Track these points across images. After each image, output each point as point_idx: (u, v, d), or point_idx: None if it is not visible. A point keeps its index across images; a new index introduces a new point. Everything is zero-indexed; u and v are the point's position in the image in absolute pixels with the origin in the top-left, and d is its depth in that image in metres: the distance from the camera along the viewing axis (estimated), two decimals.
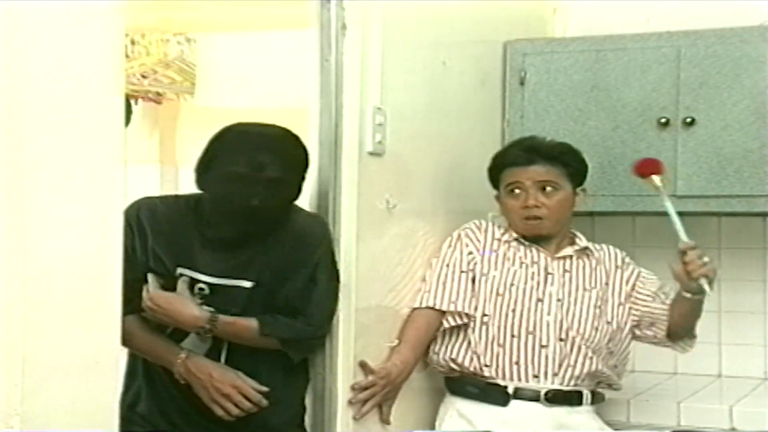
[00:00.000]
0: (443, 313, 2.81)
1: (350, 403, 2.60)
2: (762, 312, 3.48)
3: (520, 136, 3.40)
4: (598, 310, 2.84)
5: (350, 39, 2.62)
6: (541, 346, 2.78)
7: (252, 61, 4.05)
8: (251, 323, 2.39)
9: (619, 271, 2.91)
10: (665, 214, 2.76)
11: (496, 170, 2.90)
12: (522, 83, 3.42)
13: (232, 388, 2.35)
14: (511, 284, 2.82)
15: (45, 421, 1.67)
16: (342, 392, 2.61)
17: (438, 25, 3.01)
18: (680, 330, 2.88)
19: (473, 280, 2.84)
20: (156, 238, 2.38)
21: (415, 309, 2.82)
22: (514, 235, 2.88)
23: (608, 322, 2.85)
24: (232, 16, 3.84)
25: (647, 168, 2.88)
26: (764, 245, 3.50)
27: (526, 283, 2.83)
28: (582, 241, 2.91)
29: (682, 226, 2.73)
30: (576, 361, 2.79)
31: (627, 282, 2.91)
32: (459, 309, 2.81)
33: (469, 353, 2.80)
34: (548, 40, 3.59)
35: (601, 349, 2.83)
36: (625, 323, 2.88)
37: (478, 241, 2.88)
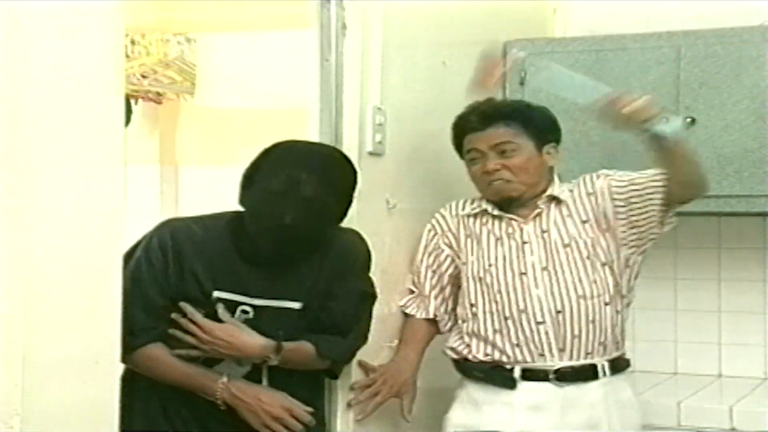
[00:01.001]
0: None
1: (349, 405, 2.59)
2: (762, 312, 3.48)
3: None
4: (589, 261, 2.66)
5: (350, 39, 2.62)
6: (537, 323, 2.62)
7: (252, 61, 4.05)
8: (309, 347, 2.35)
9: (592, 197, 2.69)
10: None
11: (457, 139, 2.76)
12: (522, 83, 3.41)
13: (283, 410, 2.30)
14: (489, 265, 2.68)
15: (45, 421, 1.67)
16: (342, 394, 2.61)
17: (438, 25, 3.01)
18: (678, 181, 2.57)
19: (449, 275, 2.78)
20: (194, 261, 2.29)
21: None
22: (484, 205, 2.73)
23: (603, 264, 2.66)
24: (232, 16, 3.84)
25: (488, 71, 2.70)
26: (764, 245, 3.50)
27: (504, 260, 2.67)
28: (551, 190, 2.71)
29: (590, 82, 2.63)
30: (581, 331, 2.62)
31: (603, 198, 2.68)
32: (433, 314, 2.78)
33: (466, 344, 2.71)
34: (548, 40, 3.59)
35: (607, 302, 2.65)
36: (627, 245, 2.68)
37: (449, 230, 2.78)
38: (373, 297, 2.52)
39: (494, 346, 2.67)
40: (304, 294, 2.36)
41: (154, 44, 4.04)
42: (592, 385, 2.64)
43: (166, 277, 2.28)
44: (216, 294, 2.29)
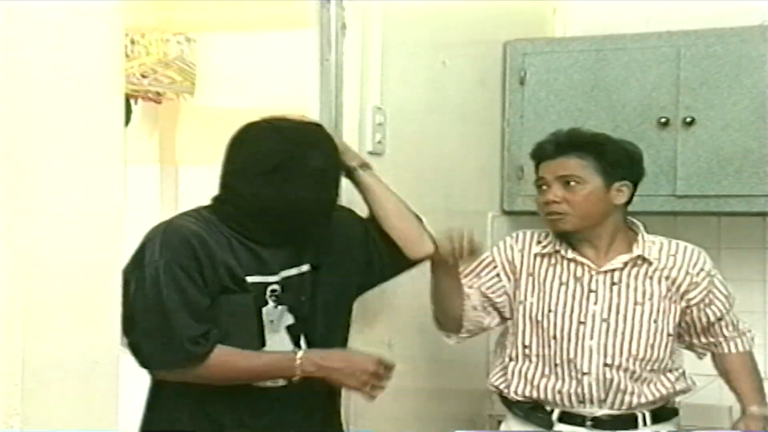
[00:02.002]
0: None
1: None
2: (762, 311, 3.48)
3: (519, 136, 3.41)
4: (654, 325, 2.61)
5: (350, 39, 2.62)
6: (583, 374, 2.59)
7: (252, 60, 4.05)
8: None
9: (688, 277, 2.64)
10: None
11: (535, 166, 2.70)
12: (522, 83, 3.42)
13: (376, 364, 2.28)
14: (549, 310, 2.62)
15: (45, 421, 1.67)
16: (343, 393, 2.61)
17: (438, 24, 3.02)
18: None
19: (497, 303, 2.71)
20: (219, 253, 2.22)
21: None
22: (557, 246, 2.66)
23: (669, 335, 2.63)
24: (232, 16, 3.84)
25: None
26: (764, 245, 3.50)
27: (566, 306, 2.62)
28: (639, 248, 2.63)
29: None
30: (626, 387, 2.59)
31: (697, 291, 2.65)
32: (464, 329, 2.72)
33: (507, 382, 2.68)
34: (548, 39, 3.59)
35: (663, 367, 2.64)
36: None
37: (511, 263, 2.70)
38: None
39: (537, 388, 2.65)
40: (311, 257, 2.33)
41: (153, 44, 4.04)
42: None
43: (202, 276, 2.19)
44: (249, 279, 2.24)
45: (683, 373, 2.70)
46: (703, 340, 2.73)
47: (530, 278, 2.67)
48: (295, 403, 2.30)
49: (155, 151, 4.27)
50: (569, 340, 2.60)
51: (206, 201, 2.34)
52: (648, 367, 2.60)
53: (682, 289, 2.63)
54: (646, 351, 2.60)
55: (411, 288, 2.85)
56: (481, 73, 3.35)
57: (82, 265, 1.74)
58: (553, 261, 2.66)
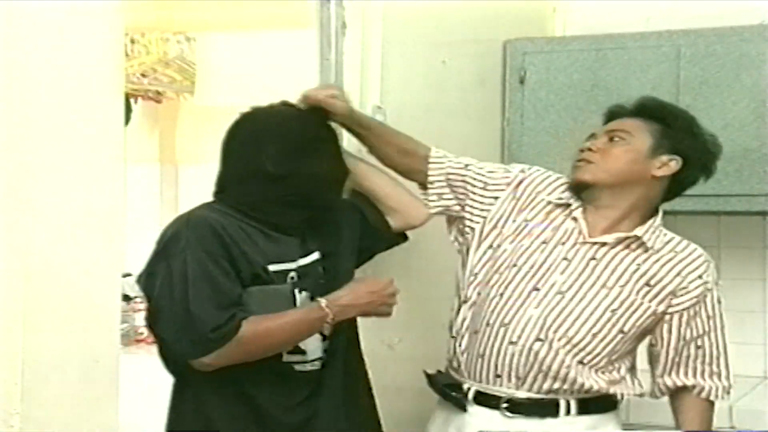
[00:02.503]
0: None
1: None
2: (762, 311, 3.48)
3: (520, 135, 3.41)
4: (610, 314, 2.31)
5: (350, 38, 2.62)
6: (510, 342, 2.30)
7: (252, 60, 4.05)
8: None
9: (679, 278, 2.35)
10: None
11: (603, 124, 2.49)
12: (522, 82, 3.41)
13: (390, 283, 2.31)
14: (513, 265, 2.35)
15: (45, 421, 1.67)
16: None
17: (438, 24, 3.01)
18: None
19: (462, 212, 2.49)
20: (245, 242, 2.21)
21: None
22: (563, 197, 2.41)
23: (622, 331, 2.32)
24: (232, 16, 3.84)
25: None
26: (764, 244, 3.50)
27: (532, 266, 2.34)
28: (642, 230, 2.35)
29: None
30: (550, 368, 2.29)
31: (677, 300, 2.36)
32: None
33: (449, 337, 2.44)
34: (548, 39, 3.59)
35: (599, 361, 2.32)
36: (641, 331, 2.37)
37: (517, 203, 2.45)
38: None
39: (464, 349, 2.39)
40: (319, 243, 2.35)
41: (153, 43, 4.04)
42: (550, 423, 2.33)
43: (233, 264, 2.17)
44: (271, 267, 2.24)
45: (628, 376, 2.39)
46: (671, 358, 2.40)
47: (524, 224, 2.42)
48: (333, 386, 2.31)
49: (155, 151, 4.28)
50: (514, 302, 2.32)
51: (206, 199, 2.33)
52: (578, 358, 2.30)
53: (667, 290, 2.34)
54: (584, 338, 2.30)
55: (412, 291, 2.84)
56: (481, 73, 3.34)
57: (82, 265, 1.75)
58: (554, 214, 2.40)
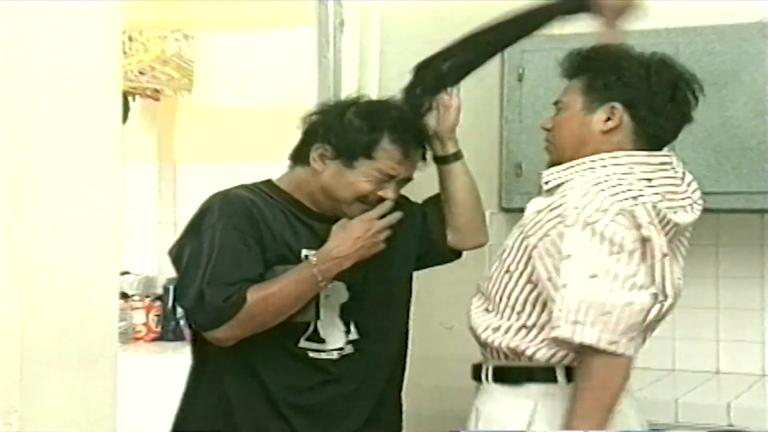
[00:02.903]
0: None
1: None
2: (760, 309, 3.48)
3: (518, 133, 3.41)
4: (502, 264, 2.25)
5: (348, 36, 2.62)
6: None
7: (250, 58, 4.05)
8: None
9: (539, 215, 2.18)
10: None
11: None
12: (520, 80, 3.41)
13: (373, 221, 2.28)
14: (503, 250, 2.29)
15: (43, 419, 1.67)
16: None
17: (436, 21, 3.01)
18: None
19: None
20: (277, 224, 2.27)
21: None
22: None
23: (508, 271, 2.23)
24: (230, 13, 3.84)
25: None
26: (762, 242, 3.50)
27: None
28: (550, 171, 2.21)
29: None
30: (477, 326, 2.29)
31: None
32: None
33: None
34: (546, 36, 3.56)
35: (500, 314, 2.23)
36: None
37: None
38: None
39: None
40: None
41: (151, 41, 4.04)
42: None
43: (261, 243, 2.23)
44: (304, 252, 2.28)
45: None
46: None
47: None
48: (351, 376, 2.34)
49: (153, 149, 4.28)
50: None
51: (204, 197, 2.33)
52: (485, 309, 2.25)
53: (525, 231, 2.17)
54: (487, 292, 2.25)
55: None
56: (478, 70, 3.34)
57: (80, 262, 1.74)
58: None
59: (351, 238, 2.26)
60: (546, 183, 2.20)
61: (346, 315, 2.35)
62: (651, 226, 2.09)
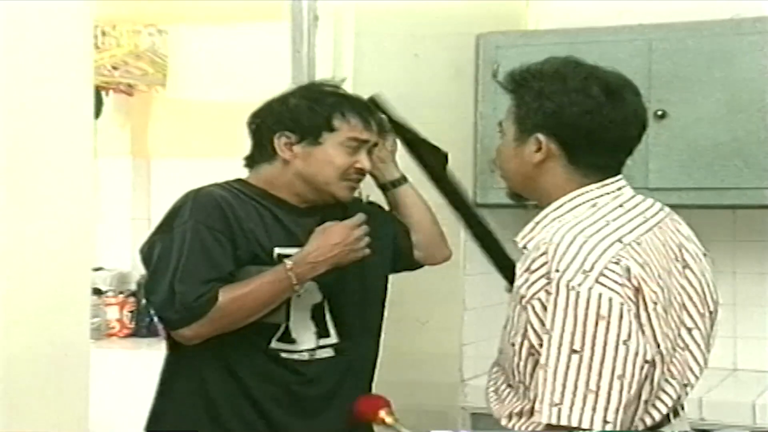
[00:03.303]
0: None
1: None
2: (731, 304, 3.49)
3: (493, 128, 3.39)
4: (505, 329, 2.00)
5: (322, 31, 2.62)
6: None
7: (224, 52, 4.03)
8: None
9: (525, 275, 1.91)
10: None
11: None
12: (495, 76, 3.41)
13: (352, 227, 2.27)
14: None
15: (13, 415, 1.66)
16: None
17: (411, 17, 3.01)
18: None
19: None
20: (249, 221, 2.26)
21: None
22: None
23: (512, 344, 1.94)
24: (204, 8, 3.82)
25: (369, 407, 2.25)
26: (734, 237, 3.53)
27: None
28: (523, 232, 1.99)
29: None
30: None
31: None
32: None
33: None
34: (521, 32, 3.59)
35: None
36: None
37: None
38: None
39: None
40: None
41: (124, 35, 4.01)
42: None
43: (233, 241, 2.22)
44: (277, 250, 2.27)
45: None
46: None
47: None
48: (326, 374, 2.33)
49: (127, 144, 4.25)
50: None
51: (178, 194, 2.32)
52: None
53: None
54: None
55: None
56: (454, 66, 3.34)
57: (52, 258, 1.73)
58: None
59: (329, 243, 2.25)
60: (523, 248, 1.98)
61: (320, 316, 2.34)
62: (642, 272, 1.87)
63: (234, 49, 3.99)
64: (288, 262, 2.22)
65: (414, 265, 2.58)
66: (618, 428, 1.81)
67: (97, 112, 3.88)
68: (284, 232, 2.30)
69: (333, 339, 2.36)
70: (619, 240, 1.89)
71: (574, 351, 1.81)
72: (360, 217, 2.30)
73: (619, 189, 2.03)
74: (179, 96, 4.13)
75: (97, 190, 3.94)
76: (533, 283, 1.87)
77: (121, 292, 4.03)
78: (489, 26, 3.45)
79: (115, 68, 4.03)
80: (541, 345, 1.84)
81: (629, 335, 1.81)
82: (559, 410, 1.81)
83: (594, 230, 1.90)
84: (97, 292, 3.89)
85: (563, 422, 1.80)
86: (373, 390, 2.49)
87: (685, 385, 1.99)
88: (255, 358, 2.28)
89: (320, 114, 2.29)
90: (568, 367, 1.81)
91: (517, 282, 1.92)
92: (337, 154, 2.29)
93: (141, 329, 3.99)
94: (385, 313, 2.58)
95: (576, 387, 1.80)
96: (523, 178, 2.04)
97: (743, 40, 3.18)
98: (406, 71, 3.01)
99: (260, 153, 2.35)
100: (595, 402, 1.80)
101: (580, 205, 1.96)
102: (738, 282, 3.50)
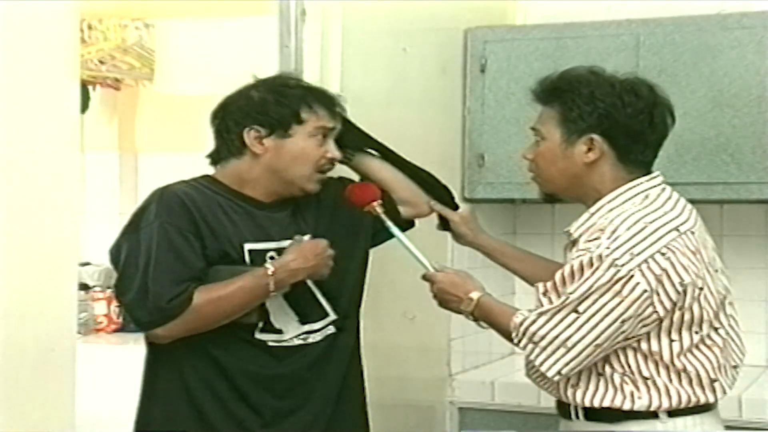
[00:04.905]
0: None
1: None
2: None
3: (480, 123, 3.42)
4: None
5: (310, 25, 2.61)
6: None
7: (211, 47, 4.02)
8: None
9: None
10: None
11: None
12: (483, 71, 3.42)
13: (324, 243, 2.30)
14: None
15: (0, 407, 1.65)
16: None
17: (398, 11, 3.01)
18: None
19: None
20: (215, 219, 2.26)
21: None
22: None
23: None
24: (192, 2, 3.82)
25: (366, 195, 2.42)
26: (721, 232, 3.53)
27: None
28: (577, 223, 2.24)
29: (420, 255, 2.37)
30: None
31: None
32: None
33: None
34: (509, 27, 3.59)
35: None
36: None
37: None
38: None
39: None
40: (310, 226, 2.38)
41: (111, 29, 4.00)
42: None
43: (201, 239, 2.22)
44: (247, 246, 2.28)
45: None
46: None
47: None
48: (311, 359, 2.34)
49: (114, 139, 4.24)
50: None
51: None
52: None
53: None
54: None
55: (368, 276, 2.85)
56: (441, 61, 3.34)
57: (38, 253, 1.73)
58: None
59: (310, 253, 2.28)
60: (577, 232, 2.23)
61: (302, 303, 2.34)
62: (692, 260, 2.17)
63: (221, 44, 3.98)
64: (270, 267, 2.23)
65: (404, 225, 2.55)
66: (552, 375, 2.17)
67: (84, 106, 3.87)
68: (254, 228, 2.30)
69: (331, 317, 2.37)
70: (676, 228, 2.16)
71: (576, 311, 2.11)
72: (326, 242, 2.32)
73: (662, 182, 2.28)
74: (166, 90, 4.12)
75: (84, 184, 3.93)
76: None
77: (108, 287, 4.02)
78: (477, 21, 3.45)
79: (102, 62, 4.02)
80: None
81: (629, 317, 2.10)
82: (533, 348, 2.16)
83: (653, 218, 2.15)
84: (85, 287, 3.88)
85: (535, 362, 2.16)
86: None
87: (735, 367, 2.29)
88: (240, 347, 2.28)
89: (288, 106, 2.30)
90: (567, 324, 2.13)
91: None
92: (308, 145, 2.31)
93: (129, 324, 3.98)
94: (373, 308, 2.58)
95: (556, 338, 2.13)
96: (570, 178, 2.24)
97: (730, 35, 3.19)
98: (393, 66, 3.01)
99: (227, 148, 2.34)
100: (565, 356, 2.14)
101: (634, 196, 2.21)
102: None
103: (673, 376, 2.18)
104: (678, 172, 3.16)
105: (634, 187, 2.22)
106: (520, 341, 2.20)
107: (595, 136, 2.20)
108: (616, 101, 2.20)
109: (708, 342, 2.21)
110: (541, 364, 2.17)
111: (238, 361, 2.28)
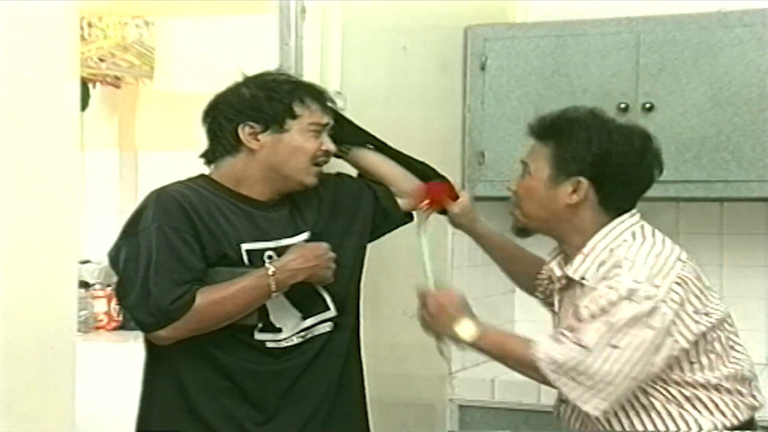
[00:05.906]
0: None
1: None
2: (718, 296, 3.51)
3: (480, 121, 3.42)
4: None
5: (310, 23, 2.61)
6: None
7: (212, 45, 4.02)
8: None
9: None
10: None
11: None
12: (483, 68, 3.42)
13: (327, 248, 2.30)
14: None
15: (0, 405, 1.65)
16: None
17: (398, 9, 3.01)
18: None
19: None
20: (213, 219, 2.25)
21: None
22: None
23: None
24: (192, 0, 3.82)
25: (439, 194, 2.48)
26: (721, 230, 3.54)
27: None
28: (573, 266, 2.24)
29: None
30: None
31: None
32: None
33: None
34: (509, 25, 3.59)
35: None
36: None
37: None
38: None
39: None
40: (309, 224, 2.37)
41: (111, 27, 3.99)
42: None
43: (199, 240, 2.22)
44: (244, 246, 2.27)
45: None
46: None
47: None
48: (311, 356, 2.34)
49: (114, 136, 4.24)
50: None
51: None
52: None
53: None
54: None
55: (366, 274, 2.85)
56: (442, 59, 3.35)
57: (38, 251, 1.73)
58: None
59: (312, 255, 2.28)
60: (581, 279, 2.23)
61: (303, 298, 2.34)
62: (698, 286, 2.20)
63: (221, 41, 3.98)
64: (270, 268, 2.23)
65: (406, 219, 2.56)
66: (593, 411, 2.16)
67: (84, 104, 3.86)
68: (251, 228, 2.29)
69: (331, 311, 2.37)
70: (679, 258, 2.19)
71: (614, 346, 2.11)
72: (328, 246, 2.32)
73: (641, 218, 2.28)
74: (166, 88, 4.12)
75: (84, 182, 3.93)
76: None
77: (108, 285, 4.02)
78: (477, 19, 3.45)
79: (102, 60, 4.02)
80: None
81: (661, 348, 2.14)
82: (574, 387, 2.14)
83: (657, 251, 2.18)
84: (85, 285, 3.88)
85: (568, 394, 2.15)
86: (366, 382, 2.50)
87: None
88: (239, 348, 2.28)
89: (280, 102, 2.29)
90: (605, 359, 2.12)
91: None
92: (305, 139, 2.30)
93: (129, 322, 3.98)
94: (374, 306, 2.58)
95: (596, 375, 2.13)
96: (550, 216, 2.26)
97: (730, 33, 3.19)
98: (394, 64, 3.01)
99: (222, 147, 2.33)
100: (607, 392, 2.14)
101: (622, 233, 2.23)
102: (724, 274, 3.52)
103: (713, 391, 2.21)
104: (678, 170, 3.17)
105: (621, 224, 2.24)
106: (551, 376, 2.16)
107: (583, 180, 2.21)
108: (610, 149, 2.21)
109: (726, 358, 2.25)
110: (585, 402, 2.15)
111: (236, 360, 2.28)
